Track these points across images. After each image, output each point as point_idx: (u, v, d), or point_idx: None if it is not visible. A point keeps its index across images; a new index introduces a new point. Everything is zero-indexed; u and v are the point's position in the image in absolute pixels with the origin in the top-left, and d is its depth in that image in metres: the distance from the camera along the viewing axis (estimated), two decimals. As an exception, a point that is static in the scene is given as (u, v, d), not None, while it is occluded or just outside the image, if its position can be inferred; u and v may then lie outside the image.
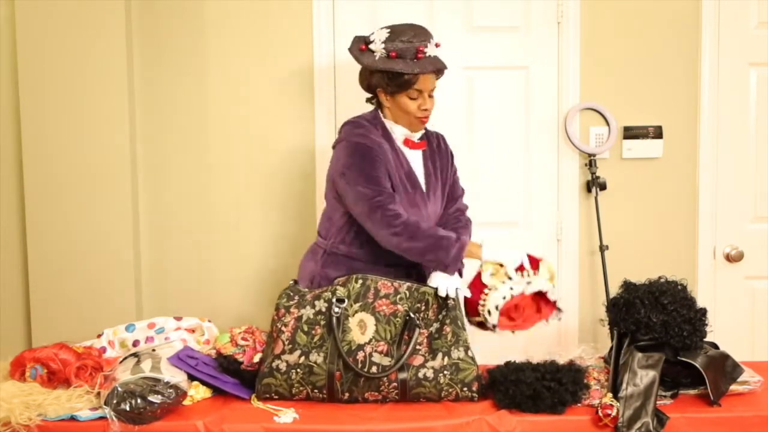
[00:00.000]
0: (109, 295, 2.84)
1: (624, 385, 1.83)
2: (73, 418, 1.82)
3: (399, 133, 2.31)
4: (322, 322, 1.95)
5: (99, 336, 2.21)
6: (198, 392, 1.95)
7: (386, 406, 1.90)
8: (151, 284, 2.96)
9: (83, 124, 2.81)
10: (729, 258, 3.05)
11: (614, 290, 2.91)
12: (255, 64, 2.94)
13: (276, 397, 1.93)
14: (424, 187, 2.31)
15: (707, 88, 3.00)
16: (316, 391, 1.91)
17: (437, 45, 2.29)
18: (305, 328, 1.95)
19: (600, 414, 1.80)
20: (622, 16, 2.99)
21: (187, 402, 1.91)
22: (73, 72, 2.79)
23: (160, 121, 2.94)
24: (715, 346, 2.03)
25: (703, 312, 1.99)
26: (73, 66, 2.79)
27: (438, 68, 2.27)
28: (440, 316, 1.97)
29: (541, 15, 2.99)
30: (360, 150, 2.21)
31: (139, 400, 1.77)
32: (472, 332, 2.06)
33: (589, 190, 3.00)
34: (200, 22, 2.92)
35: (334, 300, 1.96)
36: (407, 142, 2.32)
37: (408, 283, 2.02)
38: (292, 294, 2.02)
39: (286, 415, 1.83)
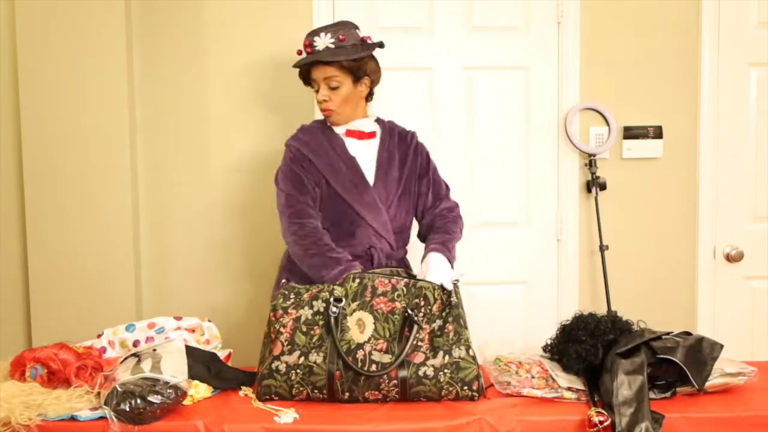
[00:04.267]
0: (109, 295, 2.84)
1: (615, 393, 1.83)
2: (73, 418, 1.81)
3: (340, 128, 2.41)
4: (321, 322, 1.95)
5: (99, 336, 2.21)
6: (198, 392, 1.95)
7: (386, 406, 1.90)
8: (151, 284, 2.96)
9: (83, 124, 2.81)
10: (729, 258, 3.05)
11: (614, 290, 2.94)
12: (255, 64, 2.94)
13: (276, 398, 1.93)
14: (372, 179, 2.36)
15: (707, 88, 3.00)
16: (316, 391, 1.91)
17: (341, 38, 2.31)
18: (304, 328, 1.95)
19: (595, 420, 1.79)
20: (622, 16, 2.99)
21: (187, 402, 1.91)
22: (73, 72, 2.79)
23: (160, 121, 2.94)
24: (688, 333, 2.03)
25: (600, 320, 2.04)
26: (73, 66, 2.79)
27: (315, 60, 2.31)
28: (443, 314, 1.97)
29: (541, 15, 2.99)
30: (285, 153, 2.40)
31: (138, 401, 1.77)
32: (472, 329, 2.06)
33: (589, 190, 3.00)
34: (200, 22, 2.92)
35: (331, 300, 1.96)
36: (350, 133, 2.39)
37: (405, 280, 2.02)
38: (287, 293, 2.02)
39: (287, 415, 1.83)
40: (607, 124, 3.00)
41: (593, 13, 2.98)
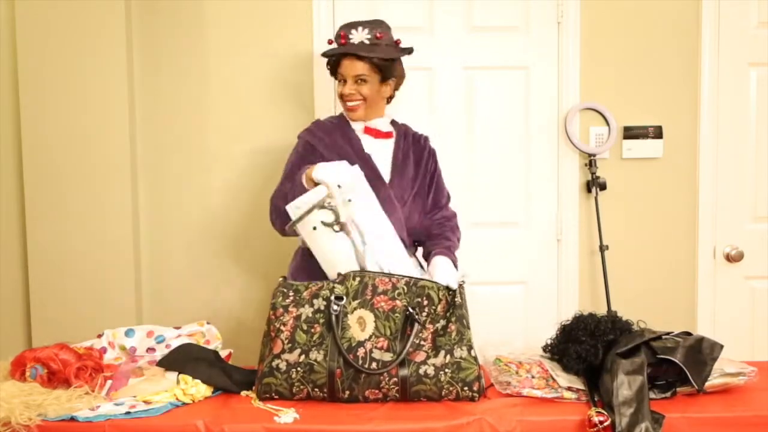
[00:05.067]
0: (109, 295, 2.84)
1: (615, 393, 1.83)
2: (72, 419, 1.81)
3: (358, 124, 2.40)
4: (321, 321, 1.95)
5: (99, 336, 2.21)
6: (198, 391, 1.95)
7: (387, 406, 1.90)
8: (151, 284, 2.96)
9: (83, 124, 2.81)
10: (729, 258, 3.05)
11: (614, 290, 2.94)
12: (255, 64, 2.94)
13: (276, 396, 1.93)
14: (388, 176, 2.35)
15: (707, 88, 3.00)
16: (316, 389, 1.91)
17: (378, 36, 2.31)
18: (304, 326, 1.95)
19: (595, 420, 1.79)
20: (622, 16, 2.99)
21: (187, 401, 1.91)
22: (73, 72, 2.79)
23: (160, 121, 2.94)
24: (688, 333, 2.03)
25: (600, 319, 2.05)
26: (73, 66, 2.79)
27: (348, 52, 2.29)
28: (447, 314, 1.98)
29: (541, 15, 2.99)
30: (295, 146, 2.40)
31: None
32: (473, 332, 2.06)
33: (589, 190, 3.00)
34: (200, 22, 2.92)
35: (332, 298, 1.96)
36: (368, 131, 2.39)
37: (406, 278, 2.02)
38: (286, 291, 2.01)
39: (287, 415, 1.83)
40: (607, 124, 3.00)
41: (593, 13, 2.98)
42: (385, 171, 2.36)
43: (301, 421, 1.81)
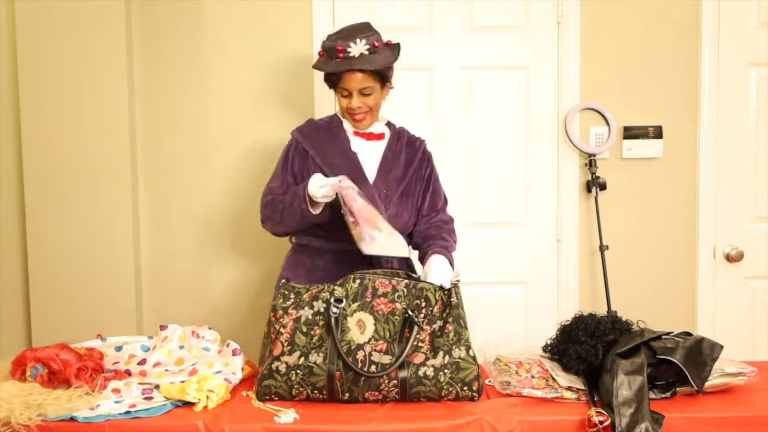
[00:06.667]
0: (109, 295, 2.84)
1: (615, 393, 1.83)
2: (72, 419, 1.81)
3: (348, 125, 2.41)
4: (321, 323, 1.95)
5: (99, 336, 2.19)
6: (217, 394, 1.92)
7: (386, 406, 1.90)
8: (151, 285, 2.96)
9: (83, 124, 2.81)
10: (729, 258, 3.05)
11: (614, 290, 2.94)
12: (255, 64, 2.95)
13: (276, 398, 1.93)
14: (372, 177, 2.36)
15: (707, 88, 3.01)
16: (316, 391, 1.91)
17: (375, 44, 2.28)
18: (304, 329, 1.95)
19: (595, 420, 1.79)
20: (622, 16, 2.99)
21: (198, 409, 1.90)
22: (73, 72, 2.79)
23: (160, 121, 2.94)
24: (688, 333, 2.04)
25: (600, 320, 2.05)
26: (73, 66, 2.79)
27: (353, 68, 2.26)
28: (444, 314, 1.97)
29: (541, 15, 2.99)
30: (288, 142, 2.44)
31: None
32: (472, 330, 2.06)
33: (589, 190, 3.00)
34: (200, 22, 2.92)
35: (332, 300, 1.96)
36: (357, 133, 2.40)
37: (406, 281, 2.02)
38: (287, 293, 2.02)
39: (287, 415, 1.83)
40: (607, 124, 3.00)
41: (593, 13, 2.98)
42: (372, 170, 2.36)
43: (301, 421, 1.81)
